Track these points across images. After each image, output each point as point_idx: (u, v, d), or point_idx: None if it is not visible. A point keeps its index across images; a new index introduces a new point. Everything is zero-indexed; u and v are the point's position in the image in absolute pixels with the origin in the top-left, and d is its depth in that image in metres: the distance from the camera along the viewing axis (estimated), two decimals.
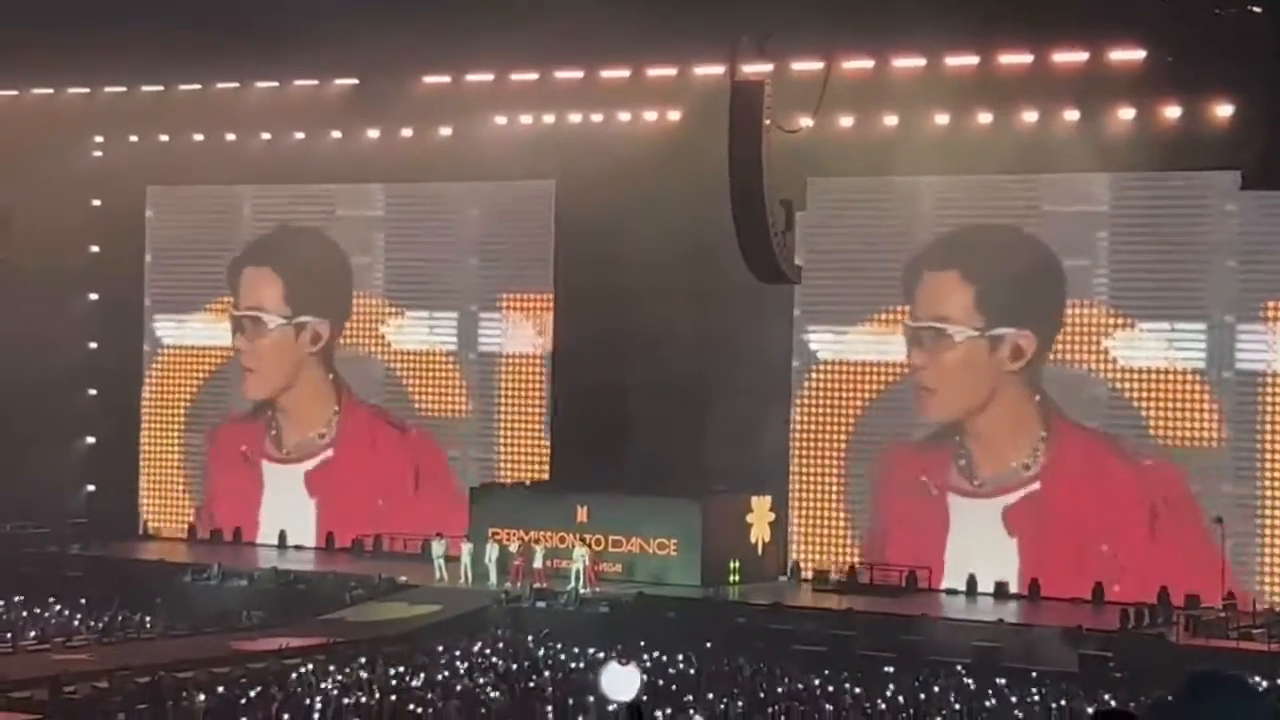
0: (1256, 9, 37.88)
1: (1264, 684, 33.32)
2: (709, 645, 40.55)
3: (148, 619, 44.67)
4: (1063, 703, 34.86)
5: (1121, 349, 46.10)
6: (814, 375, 49.45)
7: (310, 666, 37.61)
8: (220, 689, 34.76)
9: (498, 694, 34.19)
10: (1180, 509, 44.97)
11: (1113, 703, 33.41)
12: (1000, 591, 46.03)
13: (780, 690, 36.05)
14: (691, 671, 37.74)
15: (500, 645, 41.06)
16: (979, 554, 46.84)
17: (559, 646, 40.36)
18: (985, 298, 47.40)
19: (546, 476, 52.24)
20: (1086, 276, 46.42)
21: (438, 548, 48.23)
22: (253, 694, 34.00)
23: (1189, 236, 45.07)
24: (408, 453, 54.61)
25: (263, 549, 54.35)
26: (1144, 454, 45.55)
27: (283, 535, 55.12)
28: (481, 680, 35.90)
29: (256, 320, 57.10)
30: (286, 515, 55.66)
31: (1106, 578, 45.17)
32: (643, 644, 40.31)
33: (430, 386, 54.58)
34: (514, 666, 37.96)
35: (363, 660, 38.44)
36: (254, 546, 54.81)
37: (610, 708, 32.29)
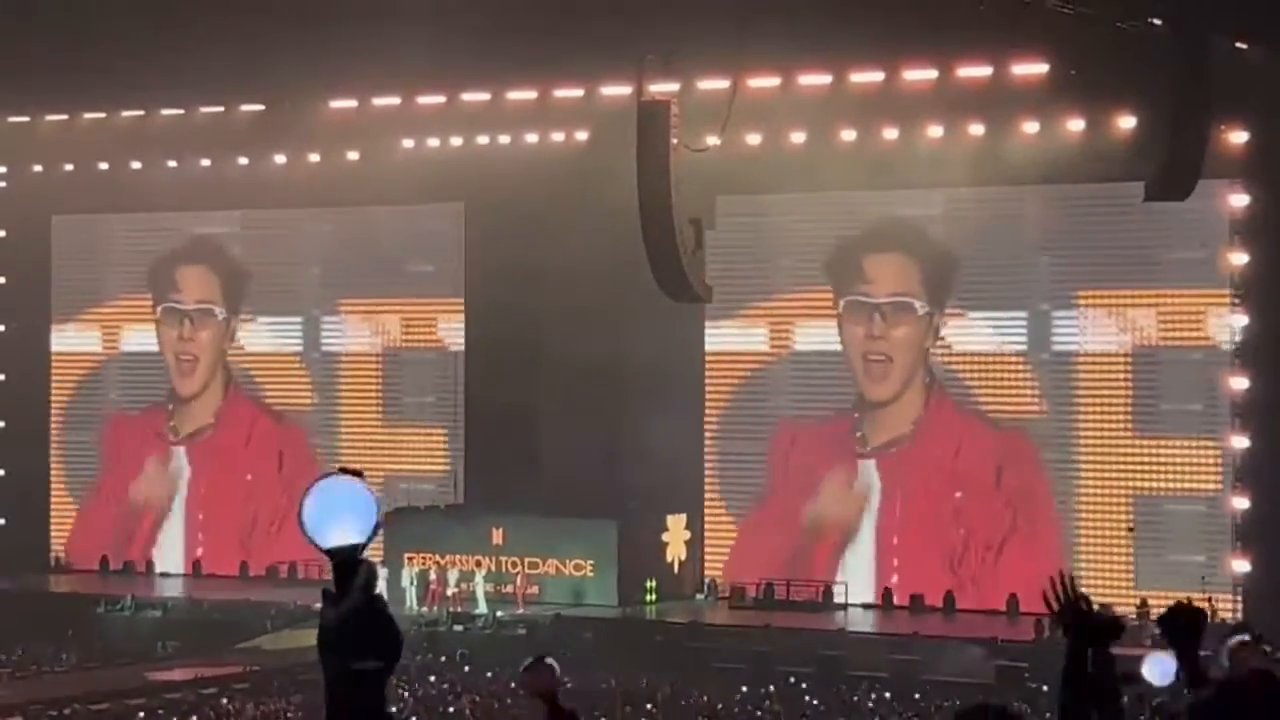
0: (1157, 21, 38.22)
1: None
2: (627, 665, 40.51)
3: (61, 652, 44.26)
4: None
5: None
6: (726, 393, 49.53)
7: (226, 697, 37.37)
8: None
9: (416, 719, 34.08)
10: (1022, 469, 47.38)
11: (1027, 709, 33.58)
12: (917, 605, 46.31)
13: (699, 708, 36.09)
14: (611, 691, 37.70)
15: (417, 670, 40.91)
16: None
17: (473, 670, 40.19)
18: (926, 279, 48.84)
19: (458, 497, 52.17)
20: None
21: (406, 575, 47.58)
22: None
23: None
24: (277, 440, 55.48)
25: (176, 579, 54.00)
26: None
27: (197, 564, 54.73)
28: (400, 707, 35.73)
29: (205, 313, 57.20)
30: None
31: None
32: (561, 666, 40.18)
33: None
34: (433, 692, 37.82)
35: (279, 688, 38.20)
36: (168, 578, 54.44)
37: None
